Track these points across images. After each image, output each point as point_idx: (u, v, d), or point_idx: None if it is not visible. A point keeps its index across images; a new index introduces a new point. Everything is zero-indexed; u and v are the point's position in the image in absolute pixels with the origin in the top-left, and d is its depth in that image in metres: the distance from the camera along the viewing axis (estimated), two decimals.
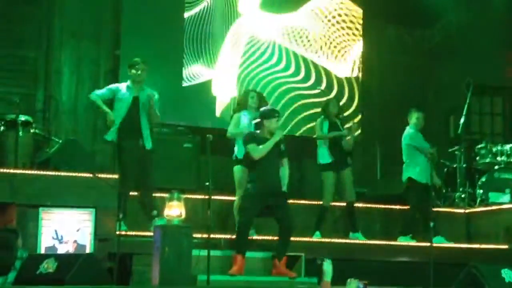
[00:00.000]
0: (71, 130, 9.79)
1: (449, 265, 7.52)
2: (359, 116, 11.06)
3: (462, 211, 9.44)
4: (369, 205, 9.02)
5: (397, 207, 9.15)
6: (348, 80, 11.26)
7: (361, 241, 8.27)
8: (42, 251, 6.88)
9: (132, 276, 6.84)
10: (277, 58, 10.90)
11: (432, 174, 8.12)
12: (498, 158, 9.83)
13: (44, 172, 7.37)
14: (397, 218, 9.05)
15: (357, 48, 11.34)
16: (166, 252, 6.24)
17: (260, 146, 7.11)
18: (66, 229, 7.01)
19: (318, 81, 11.02)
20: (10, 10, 9.75)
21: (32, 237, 6.90)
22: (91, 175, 7.26)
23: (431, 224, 7.51)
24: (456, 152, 10.07)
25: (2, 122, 8.11)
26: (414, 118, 8.82)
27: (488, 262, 7.41)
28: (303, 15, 11.10)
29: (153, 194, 7.64)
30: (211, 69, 10.50)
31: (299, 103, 10.86)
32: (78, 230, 7.04)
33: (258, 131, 7.33)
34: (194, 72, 10.43)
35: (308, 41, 11.11)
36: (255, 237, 7.64)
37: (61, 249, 6.96)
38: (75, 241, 7.02)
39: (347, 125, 8.67)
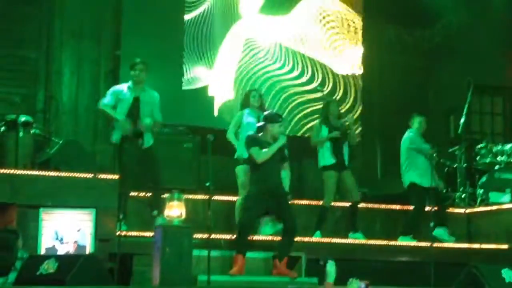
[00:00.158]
0: (71, 131, 9.79)
1: (450, 265, 7.52)
2: (358, 111, 11.06)
3: (462, 211, 9.44)
4: (369, 205, 9.01)
5: (398, 207, 9.15)
6: (347, 78, 11.26)
7: (361, 241, 8.27)
8: (43, 252, 6.88)
9: (133, 276, 6.85)
10: (276, 58, 10.89)
11: (433, 176, 8.15)
12: (499, 158, 9.82)
13: (45, 173, 7.37)
14: (398, 218, 9.04)
15: (356, 50, 11.33)
16: (167, 253, 6.25)
17: (264, 150, 7.12)
18: (66, 230, 7.02)
19: (316, 79, 11.02)
20: (10, 10, 9.75)
21: (32, 237, 6.90)
22: (91, 176, 7.27)
23: (431, 224, 7.52)
24: (456, 152, 10.07)
25: (3, 123, 8.11)
26: (416, 122, 8.84)
27: (488, 262, 7.41)
28: (303, 17, 11.10)
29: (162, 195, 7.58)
30: (211, 72, 10.50)
31: (298, 101, 10.85)
32: (78, 231, 7.04)
33: (260, 134, 7.34)
34: (195, 75, 10.43)
35: (307, 40, 11.11)
36: (255, 237, 7.62)
37: (62, 250, 6.96)
38: (75, 242, 7.02)
39: (344, 119, 8.64)
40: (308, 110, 10.78)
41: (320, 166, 8.45)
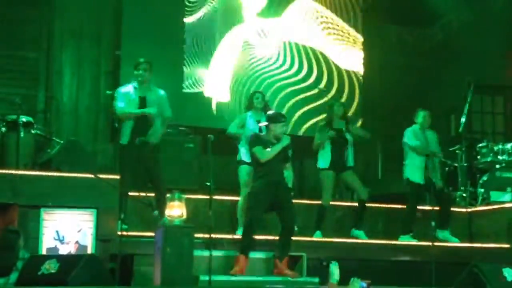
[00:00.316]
0: (72, 131, 9.80)
1: (451, 264, 7.52)
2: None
3: (463, 210, 9.43)
4: (370, 205, 8.99)
5: (399, 206, 9.14)
6: (349, 74, 11.27)
7: (362, 240, 8.27)
8: (44, 252, 6.87)
9: (134, 276, 6.84)
10: (276, 58, 10.91)
11: (433, 174, 8.16)
12: (499, 157, 9.81)
13: (46, 173, 7.37)
14: (399, 217, 9.03)
15: (356, 51, 11.35)
16: (168, 253, 6.24)
17: (267, 150, 7.13)
18: (67, 230, 7.01)
19: (315, 77, 11.03)
20: (10, 11, 9.76)
21: (33, 238, 6.89)
22: (92, 176, 7.26)
23: (432, 223, 7.52)
24: (457, 151, 10.07)
25: (3, 123, 8.11)
26: (420, 117, 8.83)
27: (489, 261, 7.40)
28: (301, 18, 11.12)
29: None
30: (208, 72, 10.50)
31: (298, 100, 10.86)
32: (79, 231, 7.03)
33: (263, 134, 7.34)
34: (196, 78, 10.44)
35: (307, 39, 11.13)
36: (256, 237, 7.61)
37: (63, 250, 6.96)
38: (76, 242, 7.02)
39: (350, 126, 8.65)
40: (307, 108, 10.79)
41: (318, 167, 8.46)
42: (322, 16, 11.22)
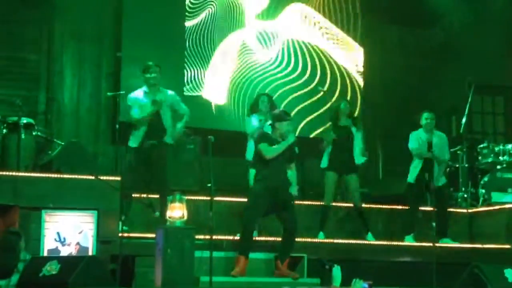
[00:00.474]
0: (73, 132, 9.80)
1: (452, 265, 7.51)
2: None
3: (464, 211, 9.43)
4: (371, 206, 9.01)
5: (400, 207, 9.14)
6: (349, 75, 11.30)
7: (363, 241, 8.27)
8: (45, 254, 6.87)
9: (135, 278, 6.85)
10: (275, 59, 10.93)
11: (423, 174, 8.20)
12: (500, 158, 9.81)
13: (47, 175, 7.37)
14: (400, 218, 9.04)
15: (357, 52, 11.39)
16: (169, 254, 6.24)
17: (273, 147, 7.12)
18: (68, 231, 7.01)
19: (315, 77, 11.05)
20: (11, 13, 9.76)
21: (34, 239, 6.90)
22: (93, 177, 7.27)
23: (433, 224, 7.52)
24: (458, 152, 10.06)
25: (4, 125, 8.12)
26: (423, 119, 8.82)
27: (490, 262, 7.40)
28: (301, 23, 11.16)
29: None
30: (206, 74, 10.52)
31: (298, 101, 10.88)
32: (80, 232, 7.04)
33: (270, 132, 7.35)
34: (197, 81, 10.45)
35: (307, 40, 11.15)
36: (257, 238, 7.62)
37: (64, 251, 6.96)
38: (77, 243, 7.02)
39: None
40: (307, 107, 10.81)
41: (321, 166, 8.47)
42: (319, 23, 11.24)
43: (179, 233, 6.40)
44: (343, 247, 8.04)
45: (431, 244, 7.58)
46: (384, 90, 11.40)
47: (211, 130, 8.33)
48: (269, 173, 7.13)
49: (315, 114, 10.91)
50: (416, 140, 8.74)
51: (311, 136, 10.81)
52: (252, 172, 7.81)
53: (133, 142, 7.67)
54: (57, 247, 6.98)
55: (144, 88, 7.77)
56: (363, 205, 8.56)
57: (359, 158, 8.45)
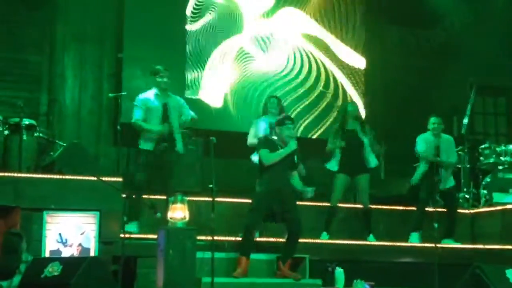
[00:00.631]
0: (74, 134, 9.80)
1: (454, 266, 7.51)
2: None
3: (466, 211, 9.42)
4: (373, 206, 8.99)
5: (401, 208, 9.14)
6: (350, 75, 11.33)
7: (365, 242, 8.26)
8: (47, 255, 6.88)
9: (137, 279, 6.85)
10: (274, 61, 10.94)
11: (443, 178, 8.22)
12: (502, 158, 9.81)
13: (48, 176, 7.38)
14: (402, 219, 9.04)
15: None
16: (170, 255, 6.25)
17: (273, 154, 7.14)
18: (70, 233, 7.02)
19: (317, 78, 11.07)
20: (13, 14, 9.77)
21: (36, 240, 6.91)
22: (95, 178, 7.27)
23: (435, 225, 7.51)
24: (460, 153, 10.05)
25: (6, 126, 8.12)
26: (430, 123, 8.81)
27: (492, 263, 7.39)
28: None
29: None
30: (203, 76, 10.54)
31: (298, 102, 10.89)
32: (82, 233, 7.05)
33: (274, 137, 7.36)
34: (198, 83, 10.46)
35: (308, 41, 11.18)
36: (258, 239, 7.62)
37: (66, 253, 6.97)
38: (79, 245, 7.03)
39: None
40: (306, 107, 10.83)
41: (328, 168, 8.48)
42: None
43: (181, 234, 6.40)
44: (345, 248, 8.03)
45: (433, 245, 7.58)
46: (385, 90, 11.40)
47: (213, 131, 8.33)
48: (271, 177, 7.14)
49: (315, 114, 10.94)
50: (424, 143, 8.73)
51: (314, 137, 10.82)
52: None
53: (146, 145, 7.68)
54: (59, 248, 6.99)
55: (156, 90, 7.78)
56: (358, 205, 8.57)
57: (370, 162, 8.45)
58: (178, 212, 6.55)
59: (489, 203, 9.45)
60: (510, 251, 8.41)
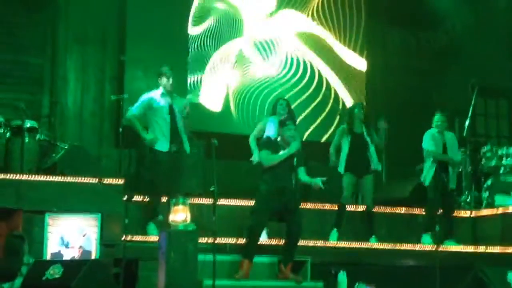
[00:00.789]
0: (76, 136, 9.80)
1: (455, 269, 7.51)
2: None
3: (468, 214, 9.41)
4: (374, 209, 8.99)
5: (403, 210, 9.13)
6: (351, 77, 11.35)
7: (366, 245, 8.26)
8: (48, 257, 6.89)
9: (138, 281, 6.85)
10: (273, 64, 10.95)
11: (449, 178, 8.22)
12: (504, 161, 9.80)
13: (50, 178, 7.39)
14: (403, 221, 9.03)
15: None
16: (172, 257, 6.25)
17: (273, 156, 7.14)
18: (72, 235, 7.03)
19: (316, 82, 11.09)
20: (15, 16, 9.77)
21: (38, 243, 6.91)
22: (96, 181, 7.28)
23: (436, 227, 7.52)
24: (462, 155, 10.05)
25: (8, 128, 8.13)
26: (435, 121, 8.80)
27: (494, 266, 7.39)
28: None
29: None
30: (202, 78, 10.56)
31: (299, 105, 10.89)
32: (84, 236, 7.05)
33: (279, 138, 7.37)
34: (199, 86, 10.48)
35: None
36: (264, 242, 7.61)
37: (67, 255, 6.97)
38: (81, 247, 7.03)
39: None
40: (310, 112, 10.83)
41: (339, 170, 8.49)
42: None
43: (182, 236, 6.40)
44: (347, 251, 8.03)
45: (434, 248, 7.58)
46: (386, 92, 11.39)
47: (214, 134, 8.33)
48: (275, 176, 7.14)
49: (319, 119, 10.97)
50: (432, 140, 8.70)
51: (318, 140, 10.84)
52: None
53: (161, 146, 7.69)
54: (60, 250, 7.00)
55: (162, 90, 7.79)
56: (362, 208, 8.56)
57: (374, 164, 8.46)
58: (180, 215, 6.55)
59: (491, 205, 9.44)
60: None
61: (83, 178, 7.37)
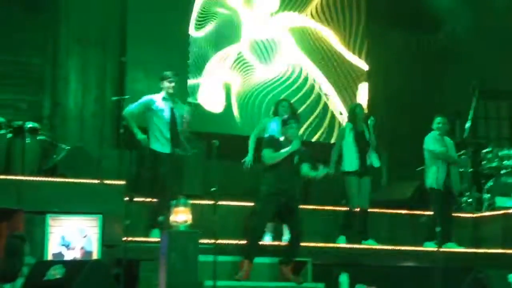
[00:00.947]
0: (77, 137, 9.80)
1: (457, 270, 7.50)
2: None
3: (469, 215, 9.42)
4: (375, 210, 9.00)
5: (404, 212, 9.13)
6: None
7: (367, 246, 8.26)
8: (50, 258, 6.90)
9: (139, 282, 6.85)
10: (272, 67, 10.96)
11: (451, 180, 8.23)
12: (505, 163, 9.81)
13: (51, 179, 7.40)
14: (404, 223, 9.03)
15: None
16: (173, 258, 6.25)
17: (274, 154, 7.15)
18: (73, 236, 7.04)
19: (313, 83, 11.10)
20: (16, 17, 9.78)
21: (39, 243, 6.92)
22: (97, 181, 7.29)
23: (437, 229, 7.51)
24: (462, 157, 10.06)
25: (9, 129, 8.13)
26: (435, 123, 8.78)
27: (495, 267, 7.39)
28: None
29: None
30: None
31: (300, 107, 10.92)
32: (85, 237, 7.06)
33: (282, 138, 7.38)
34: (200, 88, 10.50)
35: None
36: (261, 243, 7.61)
37: (68, 256, 6.98)
38: (82, 248, 7.04)
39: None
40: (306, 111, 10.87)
41: (343, 170, 8.46)
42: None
43: (183, 237, 6.40)
44: (348, 252, 8.03)
45: (435, 249, 7.58)
46: (387, 95, 11.39)
47: (215, 135, 8.34)
48: (274, 178, 7.14)
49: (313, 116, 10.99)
50: (437, 143, 8.69)
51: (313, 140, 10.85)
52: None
53: (162, 148, 7.70)
54: (61, 251, 7.00)
55: (164, 94, 7.80)
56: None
57: (373, 162, 8.48)
58: (181, 216, 6.55)
59: (492, 207, 9.44)
60: None
61: (84, 179, 7.37)
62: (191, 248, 6.39)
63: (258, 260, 7.12)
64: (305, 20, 11.22)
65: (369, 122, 8.57)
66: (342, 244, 8.21)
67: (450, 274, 7.27)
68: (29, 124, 8.15)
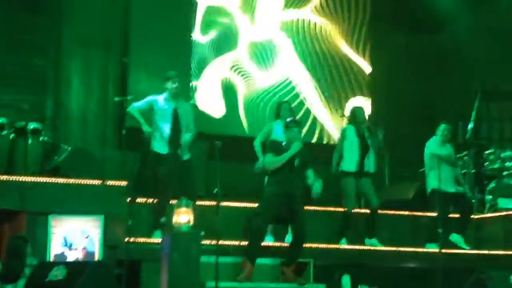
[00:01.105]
0: (80, 137, 9.83)
1: (459, 271, 7.50)
2: None
3: (471, 217, 9.40)
4: (377, 211, 8.99)
5: (406, 213, 9.13)
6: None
7: (369, 247, 8.25)
8: (52, 259, 6.90)
9: (141, 283, 6.86)
10: (272, 70, 10.98)
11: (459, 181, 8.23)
12: (507, 164, 9.81)
13: (53, 180, 7.39)
14: (406, 224, 9.03)
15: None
16: (175, 259, 6.25)
17: (275, 158, 7.15)
18: (75, 236, 7.04)
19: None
20: (18, 18, 9.80)
21: (41, 244, 6.92)
22: (100, 182, 7.29)
23: (439, 230, 7.51)
24: (465, 158, 10.06)
25: (12, 130, 8.16)
26: (439, 130, 8.78)
27: (497, 268, 7.39)
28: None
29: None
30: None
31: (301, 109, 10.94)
32: (87, 237, 7.07)
33: (284, 142, 7.40)
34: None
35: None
36: (263, 243, 7.61)
37: (71, 256, 6.99)
38: (84, 248, 7.05)
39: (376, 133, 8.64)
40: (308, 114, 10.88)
41: (341, 169, 8.46)
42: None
43: (185, 238, 6.41)
44: (349, 253, 8.03)
45: (437, 250, 7.58)
46: (390, 96, 11.40)
47: (217, 136, 8.35)
48: (278, 179, 7.15)
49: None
50: (440, 147, 8.68)
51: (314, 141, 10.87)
52: None
53: (163, 149, 7.71)
54: (63, 252, 7.01)
55: (166, 95, 7.81)
56: (368, 210, 8.55)
57: (370, 166, 8.48)
58: (183, 216, 6.56)
59: (494, 208, 9.44)
60: None
61: (86, 180, 7.38)
62: (193, 249, 6.38)
63: (259, 261, 7.12)
64: (308, 15, 11.24)
65: (378, 133, 8.55)
66: (343, 245, 8.21)
67: (452, 275, 7.27)
68: (32, 125, 8.18)
